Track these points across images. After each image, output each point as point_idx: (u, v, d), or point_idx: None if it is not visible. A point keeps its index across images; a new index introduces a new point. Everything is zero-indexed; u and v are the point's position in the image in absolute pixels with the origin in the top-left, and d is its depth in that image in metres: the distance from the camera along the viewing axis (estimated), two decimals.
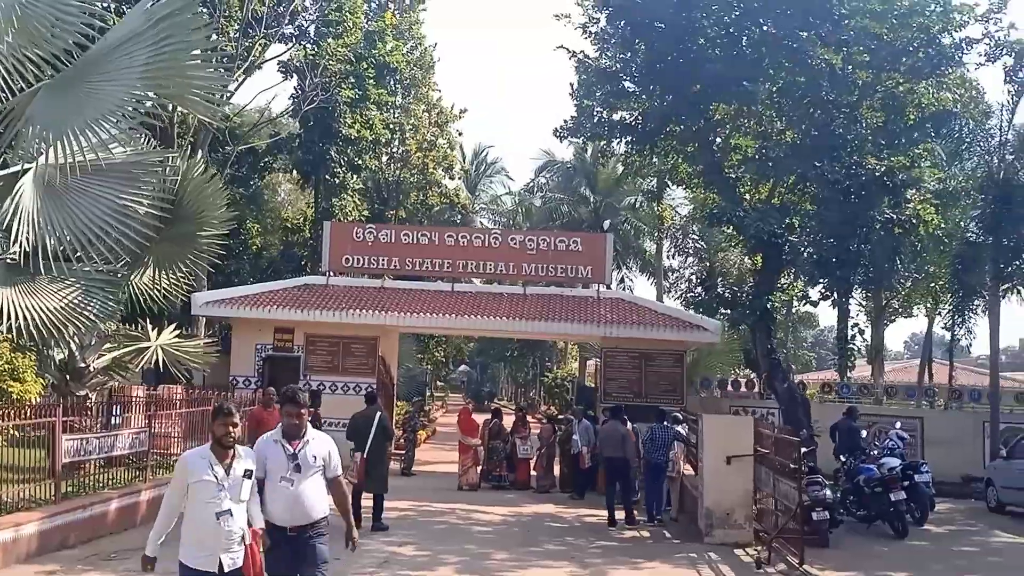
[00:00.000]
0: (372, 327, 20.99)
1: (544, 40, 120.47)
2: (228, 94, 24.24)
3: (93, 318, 11.59)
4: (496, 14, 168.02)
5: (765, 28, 14.48)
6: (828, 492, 12.70)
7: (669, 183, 26.48)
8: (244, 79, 26.29)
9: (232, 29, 24.97)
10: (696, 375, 24.69)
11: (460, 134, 39.27)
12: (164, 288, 14.89)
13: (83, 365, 13.28)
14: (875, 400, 23.60)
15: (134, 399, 15.56)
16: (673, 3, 14.62)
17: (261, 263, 32.07)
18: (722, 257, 32.32)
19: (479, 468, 18.41)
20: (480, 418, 20.50)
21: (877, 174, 13.80)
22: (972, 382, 29.37)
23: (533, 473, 18.97)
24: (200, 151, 25.54)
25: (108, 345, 14.54)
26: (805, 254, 15.91)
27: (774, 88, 15.05)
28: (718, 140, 16.55)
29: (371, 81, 29.51)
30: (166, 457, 14.42)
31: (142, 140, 12.24)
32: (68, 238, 10.86)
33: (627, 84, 16.53)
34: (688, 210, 35.82)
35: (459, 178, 40.91)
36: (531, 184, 44.08)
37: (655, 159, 19.37)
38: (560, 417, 23.10)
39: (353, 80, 28.67)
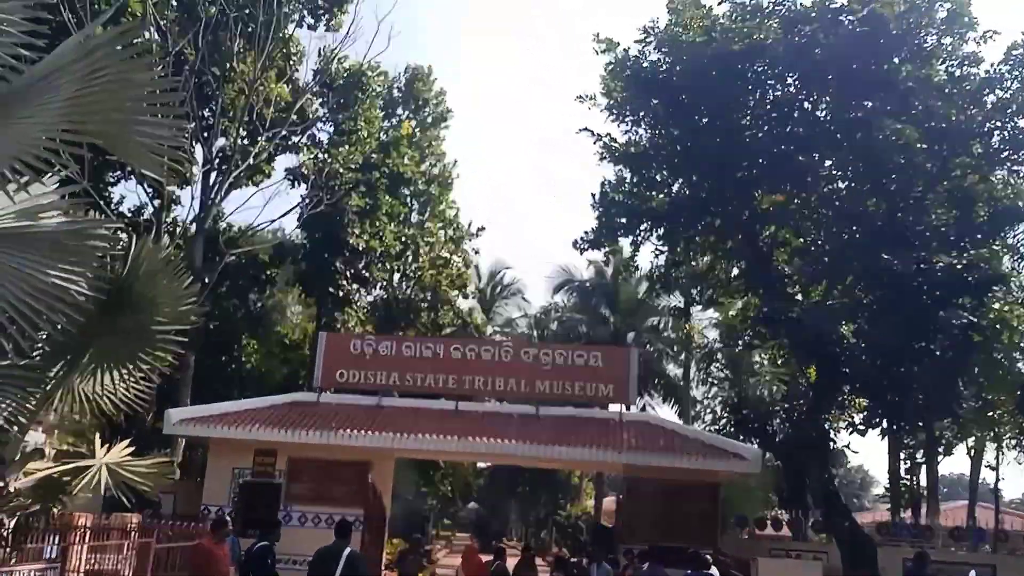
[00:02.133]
0: (363, 450, 18.55)
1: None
2: (216, 192, 22.72)
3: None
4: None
5: (822, 101, 12.64)
6: None
7: (697, 298, 24.33)
8: (241, 181, 24.87)
9: (234, 130, 23.68)
10: (728, 513, 21.89)
11: (476, 252, 37.77)
12: (116, 397, 12.76)
13: (1, 485, 10.89)
14: (938, 544, 20.64)
15: (76, 528, 13.22)
16: (713, 78, 12.87)
17: (263, 390, 29.87)
18: (754, 382, 29.81)
19: None
20: (486, 559, 17.70)
21: (957, 268, 11.59)
22: (1017, 526, 26.43)
23: None
24: (193, 253, 23.94)
25: (37, 464, 12.30)
26: (858, 371, 13.64)
27: (832, 165, 13.07)
28: (766, 233, 14.47)
29: (383, 191, 28.09)
30: None
31: (86, 213, 10.34)
32: None
33: (658, 175, 14.66)
34: (715, 335, 33.71)
35: (474, 297, 39.09)
36: (548, 306, 42.09)
37: (689, 258, 17.28)
38: (572, 560, 20.24)
39: (364, 189, 27.25)
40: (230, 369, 27.42)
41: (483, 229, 37.19)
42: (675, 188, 14.78)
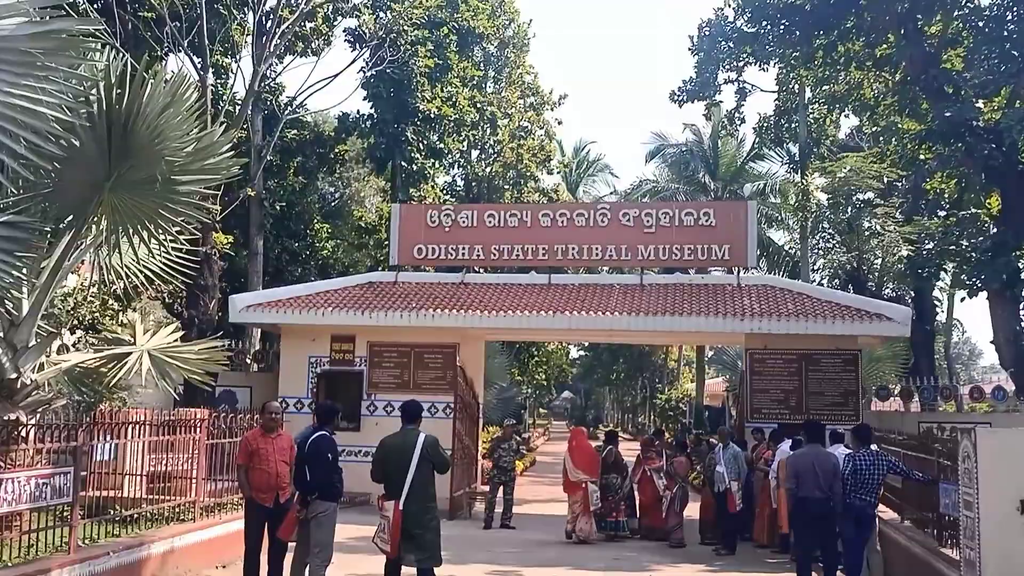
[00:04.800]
0: (450, 331, 16.61)
1: None
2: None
3: None
4: None
5: None
6: None
7: (815, 149, 21.15)
8: (296, 46, 22.42)
9: None
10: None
11: (559, 123, 34.83)
12: (143, 268, 10.86)
13: (13, 376, 9.02)
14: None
15: (133, 425, 11.67)
16: None
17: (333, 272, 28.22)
18: (876, 244, 26.63)
19: (591, 514, 13.39)
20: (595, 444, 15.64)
21: None
22: None
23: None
24: (250, 128, 21.91)
25: (61, 356, 10.53)
26: None
27: None
28: (932, 29, 11.33)
29: (453, 50, 25.34)
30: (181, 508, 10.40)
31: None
32: None
33: None
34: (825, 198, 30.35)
35: (558, 173, 36.41)
36: (640, 181, 38.77)
37: (824, 74, 14.19)
38: (684, 438, 18.09)
39: (432, 48, 24.54)
40: (304, 256, 25.63)
41: (565, 97, 34.20)
42: None
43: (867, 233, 28.23)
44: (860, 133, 30.70)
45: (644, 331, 16.75)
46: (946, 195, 15.94)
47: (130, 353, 10.85)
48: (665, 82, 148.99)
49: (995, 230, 12.26)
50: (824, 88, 15.40)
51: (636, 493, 14.08)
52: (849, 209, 28.35)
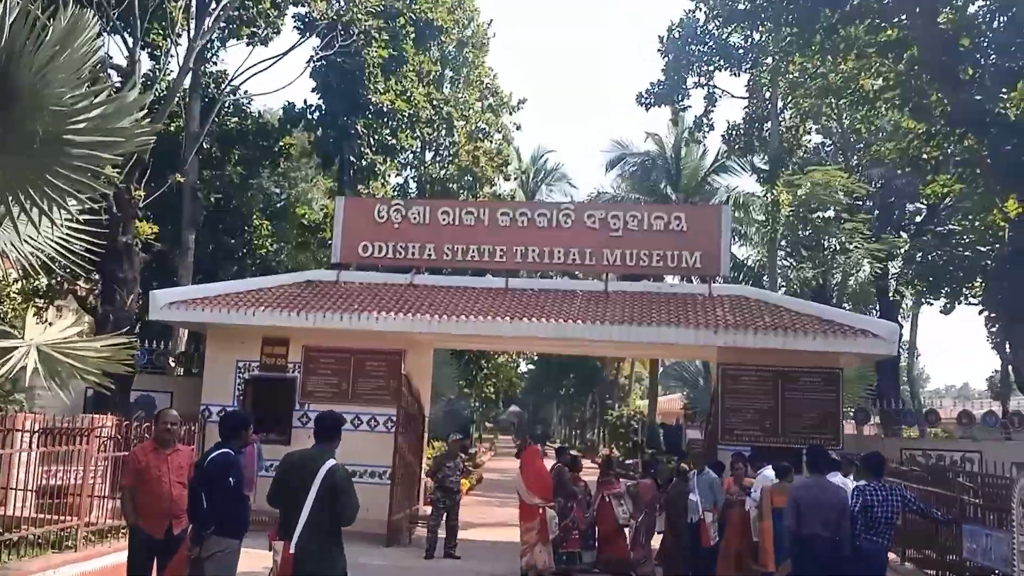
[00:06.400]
0: (395, 336, 15.05)
1: None
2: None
3: None
4: None
5: None
6: None
7: (786, 157, 20.10)
8: (241, 31, 20.78)
9: None
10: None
11: (518, 127, 33.49)
12: (30, 249, 9.16)
13: None
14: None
15: (19, 431, 10.03)
16: None
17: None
18: (845, 261, 25.69)
19: (548, 543, 11.88)
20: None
21: None
22: None
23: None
24: (186, 113, 20.19)
25: None
26: None
27: None
28: (948, 11, 10.18)
29: (410, 42, 23.87)
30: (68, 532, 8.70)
31: None
32: None
33: None
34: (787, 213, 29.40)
35: (515, 180, 35.07)
36: (598, 192, 37.50)
37: (820, 64, 13.03)
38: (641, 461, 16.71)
39: (387, 38, 23.05)
40: (241, 254, 23.80)
41: (525, 101, 32.99)
42: None
43: (831, 250, 27.41)
44: (825, 149, 29.97)
45: (609, 341, 15.39)
46: (926, 209, 14.95)
47: (15, 348, 9.20)
48: (621, 86, 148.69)
49: (1011, 236, 11.17)
50: (802, 89, 14.35)
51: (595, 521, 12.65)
52: (810, 225, 27.52)
